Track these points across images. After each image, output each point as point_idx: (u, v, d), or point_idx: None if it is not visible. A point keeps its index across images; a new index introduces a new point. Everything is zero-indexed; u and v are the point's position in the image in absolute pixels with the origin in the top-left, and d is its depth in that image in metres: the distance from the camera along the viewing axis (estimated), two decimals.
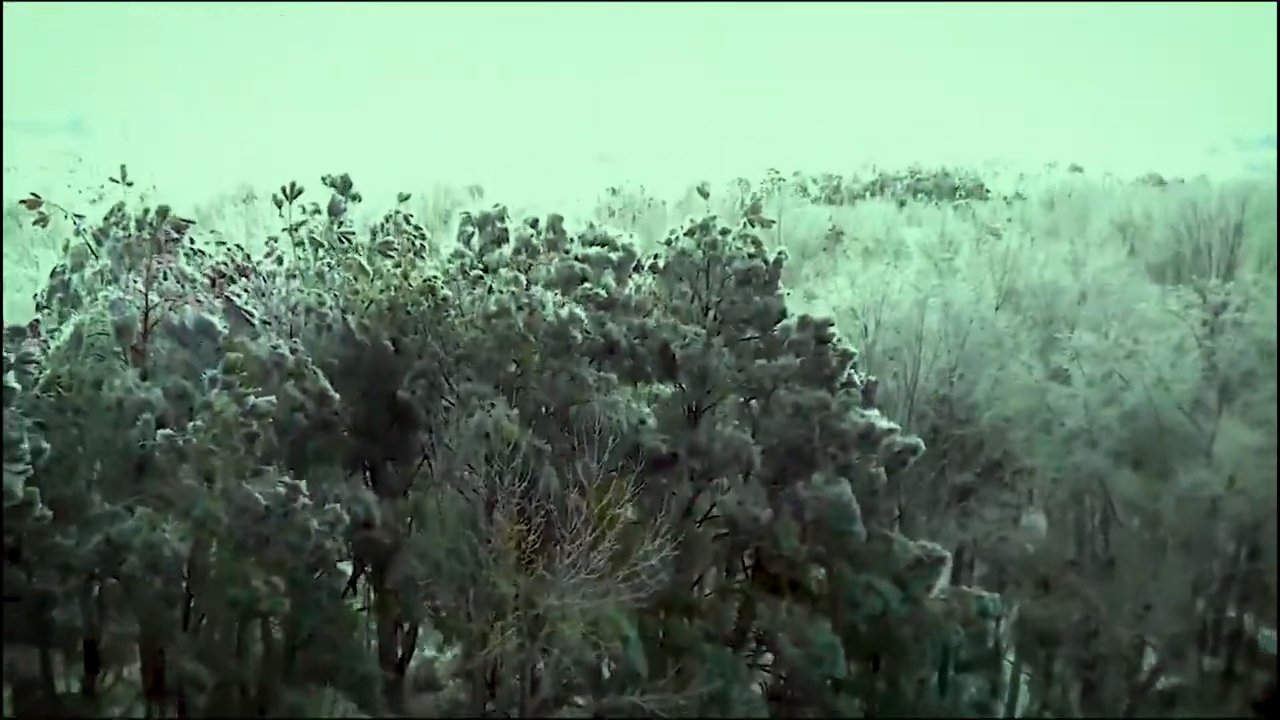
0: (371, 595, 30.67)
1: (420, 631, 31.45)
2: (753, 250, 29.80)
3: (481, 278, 28.35)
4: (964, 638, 27.80)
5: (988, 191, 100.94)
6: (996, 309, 39.99)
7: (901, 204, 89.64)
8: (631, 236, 32.08)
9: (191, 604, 23.15)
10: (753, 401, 29.31)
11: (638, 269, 31.27)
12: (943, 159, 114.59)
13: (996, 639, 33.06)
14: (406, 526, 27.11)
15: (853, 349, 28.44)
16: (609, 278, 30.40)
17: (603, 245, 31.30)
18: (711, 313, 29.52)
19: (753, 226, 30.69)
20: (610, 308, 29.48)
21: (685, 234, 30.38)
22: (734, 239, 29.86)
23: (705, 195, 32.44)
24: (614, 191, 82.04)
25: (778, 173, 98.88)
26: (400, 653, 30.57)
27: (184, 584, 22.53)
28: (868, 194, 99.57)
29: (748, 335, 29.36)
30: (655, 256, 31.05)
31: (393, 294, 28.27)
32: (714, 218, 30.70)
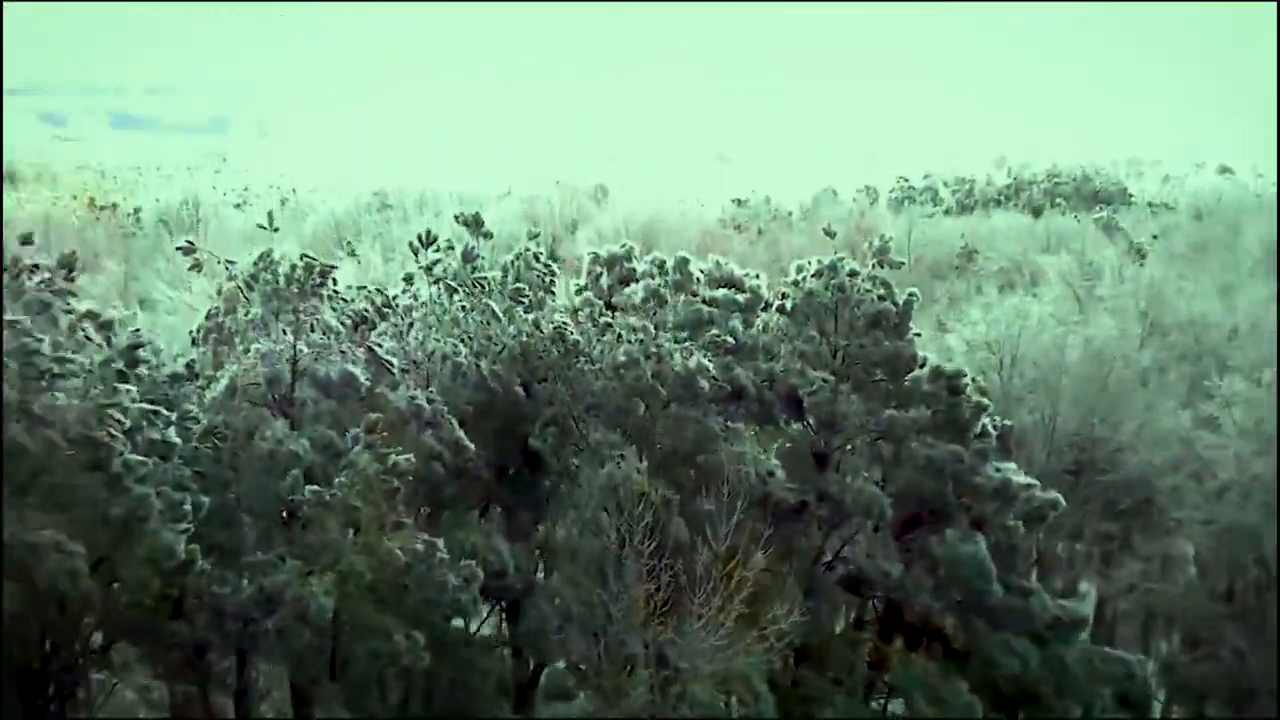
0: (503, 627, 31.39)
1: None
2: (882, 292, 29.46)
3: (610, 325, 28.73)
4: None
5: (1131, 196, 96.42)
6: (1140, 346, 38.37)
7: (1037, 213, 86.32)
8: (758, 277, 32.04)
9: (337, 651, 24.09)
10: (881, 442, 28.97)
11: (765, 308, 31.26)
12: (1082, 159, 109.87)
13: (1145, 682, 31.85)
14: (537, 570, 27.72)
15: (987, 401, 27.74)
16: (736, 320, 30.48)
17: (729, 286, 31.36)
18: (840, 356, 29.26)
19: (881, 268, 30.29)
20: (737, 353, 29.54)
21: (813, 275, 30.19)
22: (863, 281, 29.57)
23: (831, 235, 32.00)
24: (739, 203, 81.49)
25: (907, 180, 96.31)
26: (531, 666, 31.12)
27: (330, 634, 23.45)
28: (1002, 198, 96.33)
29: (877, 379, 29.00)
30: (783, 296, 30.93)
31: (524, 340, 28.85)
32: (842, 258, 30.42)
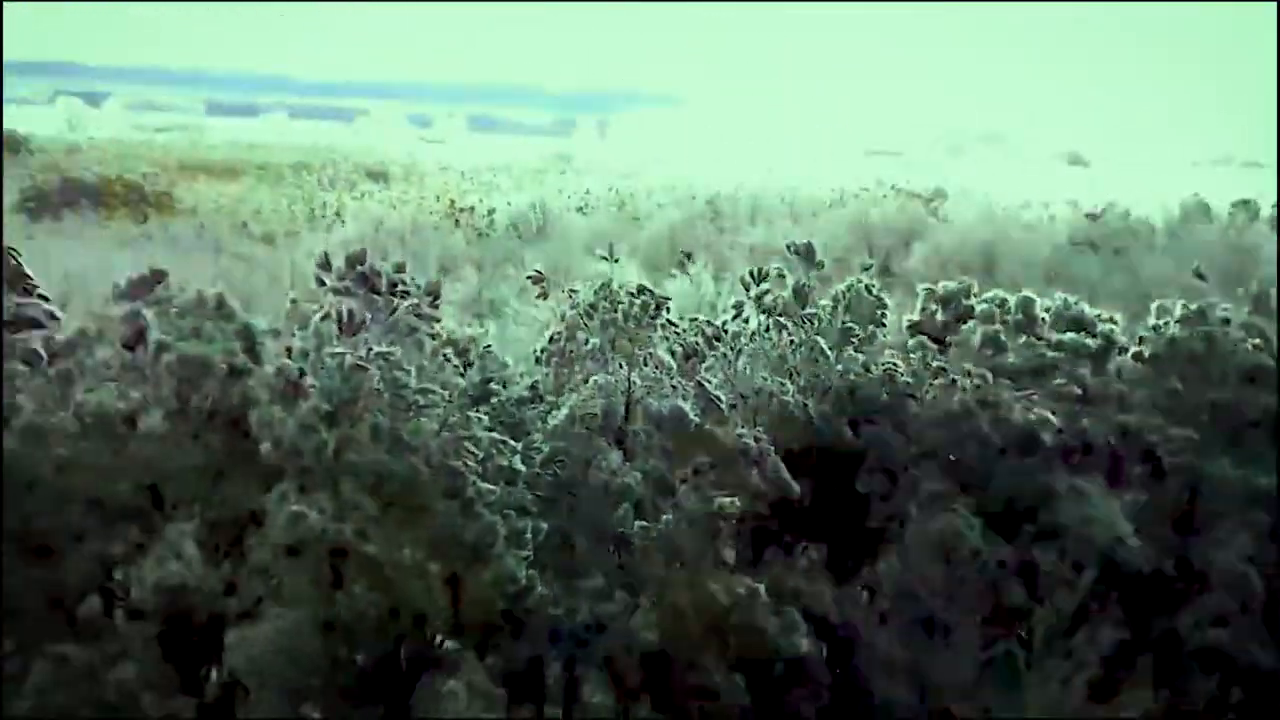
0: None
1: None
2: (1258, 342, 26.52)
3: (944, 369, 27.63)
4: None
5: None
6: None
7: None
8: (1112, 319, 29.59)
9: (659, 681, 24.83)
10: (1255, 512, 25.99)
11: (1120, 352, 28.91)
12: None
13: None
14: (861, 617, 27.15)
15: None
16: (1084, 367, 28.34)
17: (1078, 328, 29.18)
18: (1207, 412, 26.60)
19: (1258, 315, 27.19)
20: (1086, 402, 27.48)
21: (1176, 320, 27.66)
22: (1236, 329, 26.75)
23: (1203, 279, 28.85)
24: (1092, 217, 75.44)
25: None
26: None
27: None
28: None
29: (1252, 440, 26.07)
30: (1140, 341, 28.51)
31: (852, 379, 28.31)
32: (1212, 304, 27.73)
